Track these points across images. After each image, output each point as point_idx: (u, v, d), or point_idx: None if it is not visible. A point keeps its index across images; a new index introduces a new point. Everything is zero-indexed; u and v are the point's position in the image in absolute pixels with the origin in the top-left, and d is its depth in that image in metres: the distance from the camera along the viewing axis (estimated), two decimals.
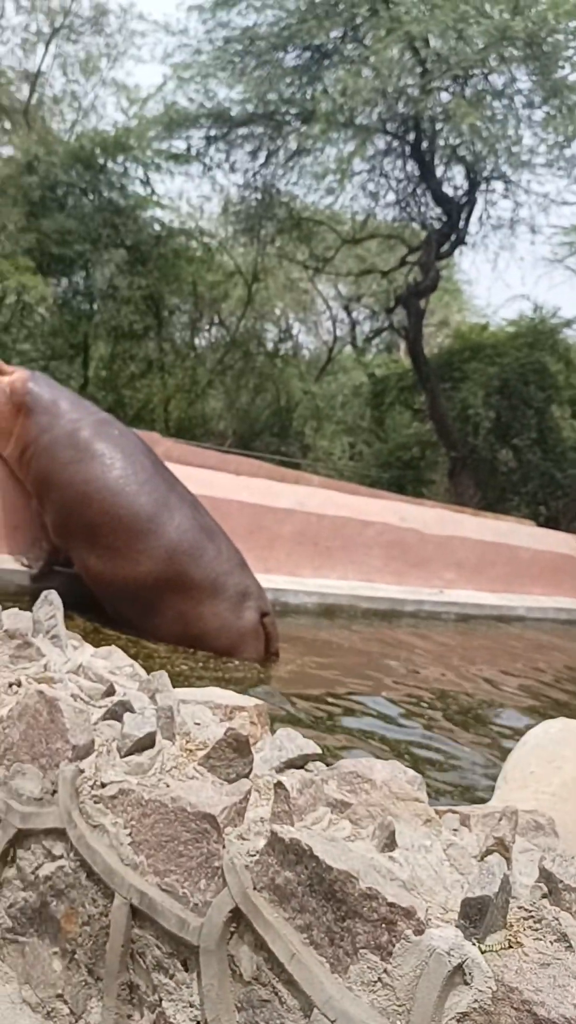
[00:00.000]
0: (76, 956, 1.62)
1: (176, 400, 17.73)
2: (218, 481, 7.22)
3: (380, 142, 13.77)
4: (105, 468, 5.59)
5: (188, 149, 14.52)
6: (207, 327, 20.57)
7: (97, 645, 4.80)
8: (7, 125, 16.24)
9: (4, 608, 2.31)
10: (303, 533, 7.38)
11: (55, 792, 1.67)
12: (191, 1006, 1.43)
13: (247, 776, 1.61)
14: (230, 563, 5.39)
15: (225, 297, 18.45)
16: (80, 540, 5.63)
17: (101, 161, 14.99)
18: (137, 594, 5.16)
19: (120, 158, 15.13)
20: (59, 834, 1.66)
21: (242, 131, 13.95)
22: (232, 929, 1.39)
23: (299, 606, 6.64)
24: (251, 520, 6.99)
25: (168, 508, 5.40)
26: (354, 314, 21.85)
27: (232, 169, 14.93)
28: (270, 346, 20.78)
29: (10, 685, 1.87)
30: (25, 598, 5.70)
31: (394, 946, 1.21)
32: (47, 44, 15.23)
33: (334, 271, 18.52)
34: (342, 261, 18.17)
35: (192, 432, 17.42)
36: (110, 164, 15.18)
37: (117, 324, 16.09)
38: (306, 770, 1.67)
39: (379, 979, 1.21)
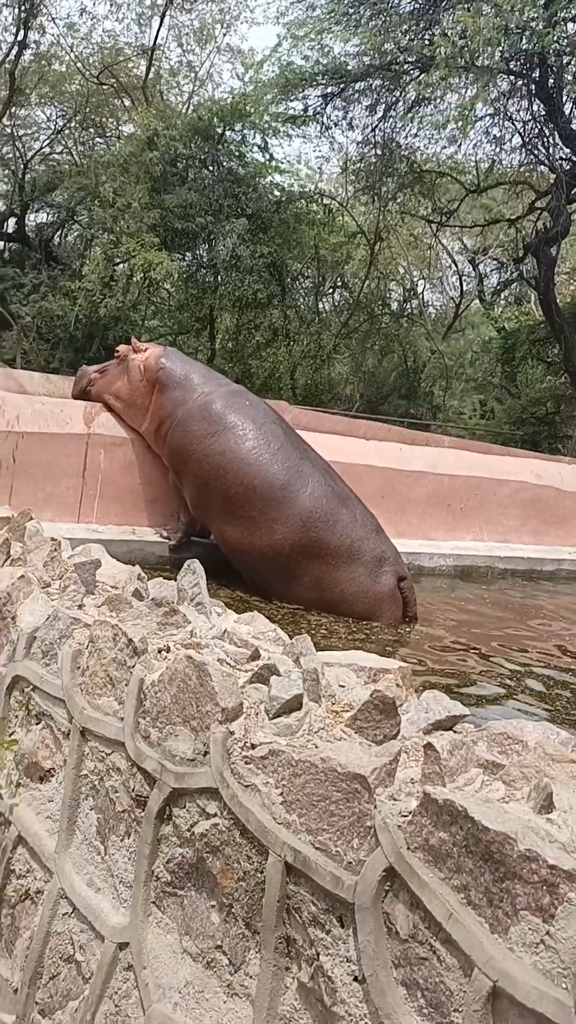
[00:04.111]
0: (233, 910, 1.67)
1: (302, 367, 17.74)
2: (348, 446, 7.19)
3: (503, 83, 13.15)
4: (238, 439, 5.68)
5: (305, 110, 14.35)
6: (330, 291, 20.42)
7: (238, 612, 4.93)
8: (127, 102, 16.50)
9: (149, 578, 2.38)
10: (436, 495, 7.27)
11: (207, 753, 1.72)
12: (348, 961, 1.45)
13: (394, 737, 1.60)
14: (365, 528, 5.38)
15: (348, 259, 18.24)
16: (216, 510, 5.76)
17: (219, 131, 15.02)
18: (274, 561, 5.23)
19: (238, 126, 15.13)
20: (212, 793, 1.71)
21: (359, 86, 13.64)
22: (387, 888, 1.40)
23: (435, 569, 6.57)
24: (383, 484, 6.95)
25: (301, 476, 5.44)
26: (481, 267, 21.14)
27: (350, 126, 14.67)
28: (395, 306, 20.42)
29: (159, 651, 1.93)
30: (166, 568, 5.91)
31: (556, 908, 1.18)
32: (161, 17, 15.30)
33: (459, 223, 17.94)
34: (467, 212, 17.58)
35: (319, 398, 17.42)
36: (228, 133, 15.20)
37: (241, 294, 16.20)
38: (455, 731, 1.65)
39: (541, 941, 1.18)
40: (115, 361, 6.81)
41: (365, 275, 18.20)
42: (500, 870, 1.24)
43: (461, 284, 20.99)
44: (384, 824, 1.41)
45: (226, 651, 1.92)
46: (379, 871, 1.40)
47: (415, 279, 21.63)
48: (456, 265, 20.96)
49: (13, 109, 16.14)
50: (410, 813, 1.39)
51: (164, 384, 6.24)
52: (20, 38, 15.30)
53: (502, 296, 21.71)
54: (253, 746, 1.66)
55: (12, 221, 19.46)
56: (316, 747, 1.59)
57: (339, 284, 20.22)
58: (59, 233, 19.94)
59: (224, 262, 15.39)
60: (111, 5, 16.13)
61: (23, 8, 14.96)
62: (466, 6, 11.08)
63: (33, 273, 16.74)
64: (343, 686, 1.82)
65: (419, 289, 21.93)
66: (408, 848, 1.37)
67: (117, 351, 6.76)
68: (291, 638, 2.12)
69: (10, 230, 19.53)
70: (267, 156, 15.65)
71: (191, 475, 5.98)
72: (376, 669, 1.89)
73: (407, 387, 18.67)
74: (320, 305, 19.29)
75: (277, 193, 15.98)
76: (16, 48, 15.35)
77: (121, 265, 15.08)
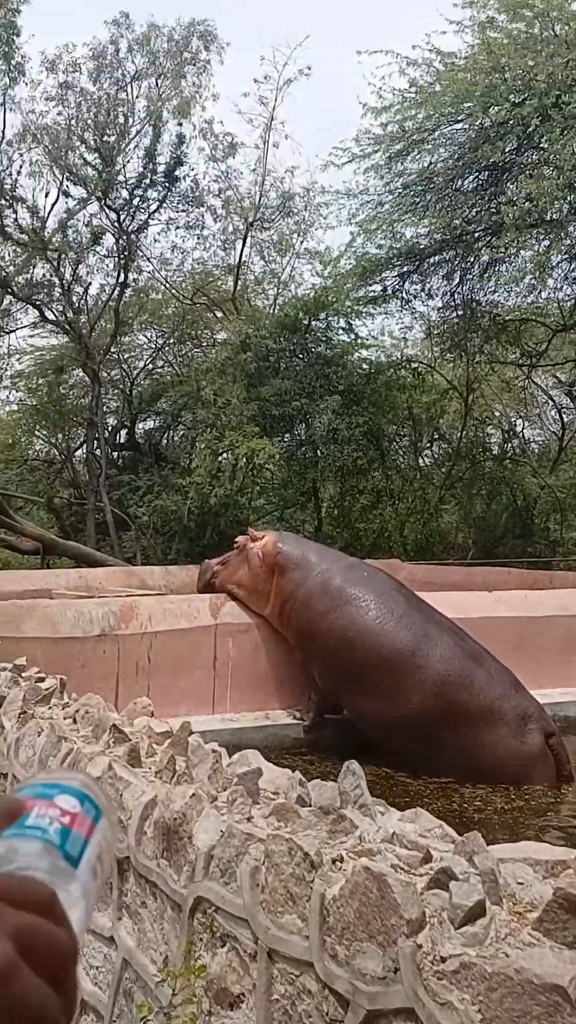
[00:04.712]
0: None
1: (410, 523, 17.90)
2: (472, 601, 7.14)
3: (573, 228, 13.75)
4: (361, 611, 5.76)
5: (384, 290, 15.30)
6: (428, 445, 20.84)
7: (389, 790, 4.80)
8: (218, 314, 18.05)
9: (291, 764, 2.42)
10: (572, 638, 7.05)
11: (397, 970, 1.69)
12: None
13: None
14: (503, 685, 5.26)
15: (442, 413, 18.71)
16: (348, 685, 5.76)
17: (305, 322, 16.13)
18: (413, 731, 5.14)
19: (322, 315, 16.22)
20: (408, 1013, 1.66)
21: (434, 259, 14.53)
22: None
23: None
24: (514, 635, 6.80)
25: (429, 639, 5.43)
26: None
27: (429, 295, 15.50)
28: (496, 450, 20.60)
29: (334, 861, 1.94)
30: (303, 750, 5.86)
31: None
32: (244, 238, 16.98)
33: (550, 362, 18.26)
34: (557, 350, 17.92)
35: (431, 550, 17.41)
36: (313, 323, 16.29)
37: (341, 464, 16.76)
38: None
39: None
40: (234, 551, 7.10)
41: (462, 426, 18.58)
42: None
43: (561, 417, 21.07)
44: None
45: (398, 855, 1.91)
46: None
47: (512, 420, 21.88)
48: (553, 400, 21.15)
49: (119, 338, 17.94)
50: None
51: (283, 567, 6.44)
52: (121, 280, 17.26)
53: None
54: (443, 959, 1.63)
55: (123, 432, 21.11)
56: (507, 956, 1.55)
57: (435, 438, 20.65)
58: (165, 435, 21.40)
59: (322, 437, 16.08)
60: (198, 239, 18.07)
61: (122, 255, 16.95)
62: (528, 173, 11.83)
63: (146, 476, 17.90)
64: (521, 883, 1.78)
65: (518, 429, 22.13)
66: None
67: (236, 542, 7.07)
68: (451, 824, 2.09)
69: (122, 440, 21.15)
70: (352, 336, 16.63)
71: (319, 652, 6.04)
72: (553, 862, 1.84)
73: (520, 526, 18.48)
74: (420, 461, 19.66)
75: (365, 367, 16.81)
76: (119, 288, 17.27)
77: (225, 455, 15.97)
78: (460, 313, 15.39)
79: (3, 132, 20.75)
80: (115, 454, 20.82)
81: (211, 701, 6.39)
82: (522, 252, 13.53)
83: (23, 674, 3.62)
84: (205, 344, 19.56)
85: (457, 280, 15.19)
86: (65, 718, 2.92)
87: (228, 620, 6.61)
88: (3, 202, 16.69)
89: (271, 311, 17.36)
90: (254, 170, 17.23)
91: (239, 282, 17.57)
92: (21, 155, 17.97)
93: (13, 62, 21.08)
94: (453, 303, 15.45)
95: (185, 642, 6.48)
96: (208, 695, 6.41)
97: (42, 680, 3.52)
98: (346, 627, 5.68)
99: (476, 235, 13.96)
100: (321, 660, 5.94)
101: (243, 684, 6.58)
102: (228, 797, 2.21)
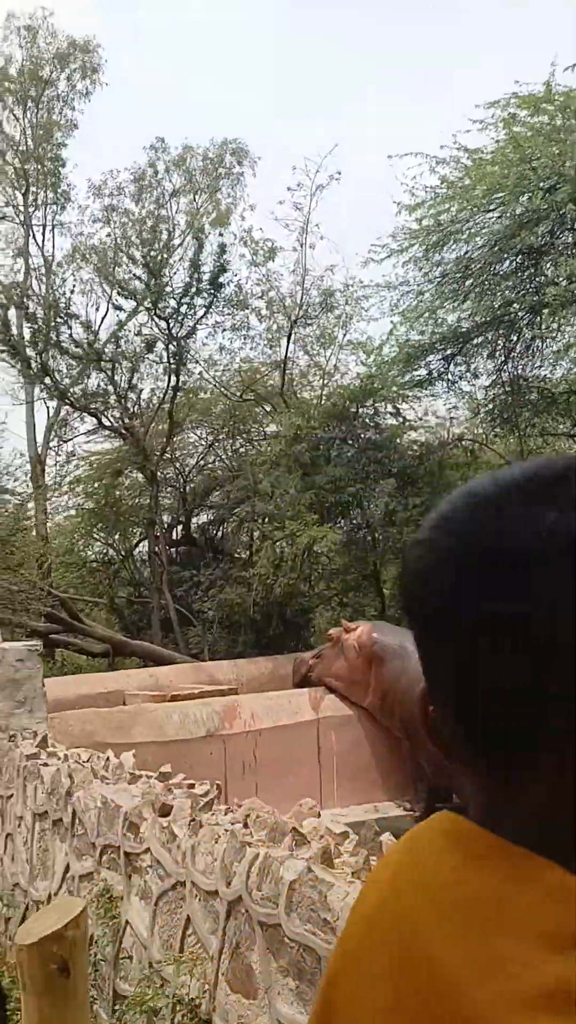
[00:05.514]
0: None
1: None
2: None
3: None
4: None
5: (429, 374, 15.66)
6: None
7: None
8: (267, 408, 18.57)
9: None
10: None
11: None
12: None
13: None
14: None
15: None
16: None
17: (352, 410, 16.51)
18: None
19: (368, 401, 16.60)
20: None
21: (476, 341, 14.90)
22: None
23: None
24: None
25: None
26: None
27: (475, 375, 15.81)
28: None
29: None
30: None
31: None
32: (288, 336, 17.60)
33: None
34: None
35: None
36: (361, 410, 16.67)
37: (401, 545, 16.84)
38: None
39: None
40: (328, 644, 7.17)
41: None
42: None
43: None
44: None
45: None
46: None
47: None
48: None
49: (172, 439, 18.56)
50: None
51: (381, 657, 6.49)
52: (173, 383, 17.96)
53: None
54: None
55: (178, 528, 21.50)
56: None
57: None
58: (219, 528, 21.74)
59: (379, 519, 16.22)
60: (244, 339, 18.83)
61: (173, 360, 17.69)
62: (567, 253, 12.20)
63: (207, 570, 18.13)
64: None
65: None
66: None
67: (330, 634, 7.16)
68: None
69: (177, 536, 21.52)
70: (400, 419, 16.94)
71: (426, 741, 6.00)
72: None
73: None
74: None
75: (416, 448, 17.06)
76: (171, 391, 17.96)
77: (286, 545, 16.16)
78: (507, 390, 15.65)
79: (55, 254, 22.03)
80: (171, 550, 21.15)
81: (319, 796, 6.37)
82: (565, 328, 13.83)
83: (171, 780, 3.70)
84: (255, 438, 20.04)
85: (502, 359, 15.52)
86: (231, 823, 2.98)
87: (329, 713, 6.65)
88: (59, 319, 17.55)
89: (319, 402, 17.81)
90: (293, 271, 17.99)
91: (285, 377, 18.11)
92: (72, 274, 19.03)
93: (60, 190, 22.58)
94: (500, 381, 15.73)
95: (289, 738, 6.52)
96: (315, 789, 6.40)
97: (192, 786, 3.59)
98: None
99: (518, 315, 14.32)
100: (429, 749, 5.91)
101: (348, 777, 6.57)
102: None
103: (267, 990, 2.52)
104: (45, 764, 5.10)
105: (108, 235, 18.76)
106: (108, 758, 4.65)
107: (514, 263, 14.00)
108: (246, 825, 2.88)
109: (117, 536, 22.41)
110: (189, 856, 2.97)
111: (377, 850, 2.36)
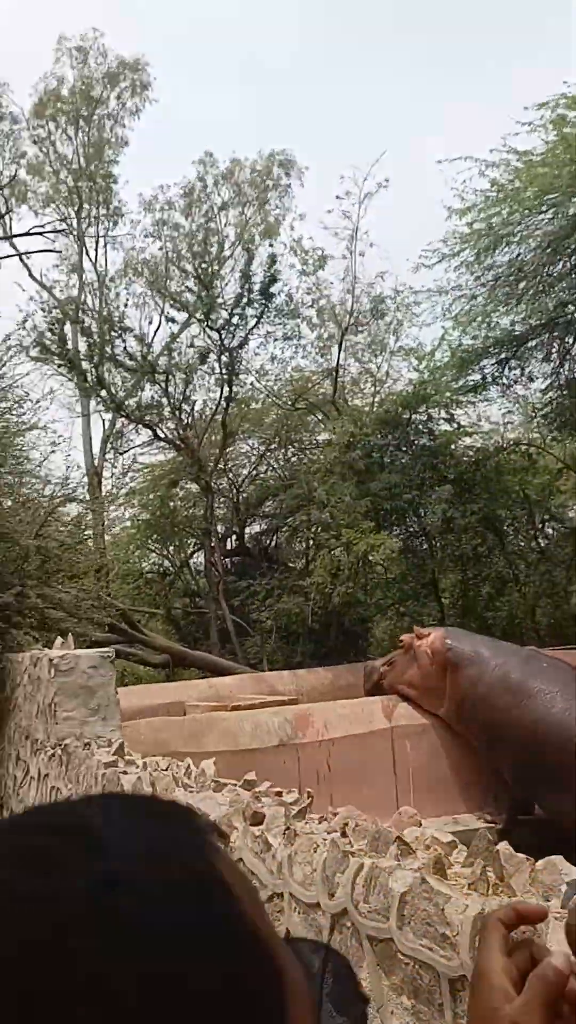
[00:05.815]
0: None
1: (540, 608, 17.48)
2: None
3: None
4: (548, 704, 5.62)
5: (483, 378, 15.49)
6: (540, 525, 20.52)
7: None
8: (319, 416, 18.53)
9: None
10: None
11: None
12: None
13: None
14: None
15: (558, 492, 18.50)
16: (544, 782, 5.58)
17: (406, 417, 16.38)
18: None
19: (421, 408, 16.46)
20: None
21: (531, 344, 14.70)
22: None
23: None
24: None
25: None
26: None
27: (530, 379, 15.60)
28: None
29: None
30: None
31: None
32: (339, 344, 17.56)
33: None
34: None
35: (566, 632, 16.89)
36: (414, 416, 16.53)
37: (460, 552, 16.64)
38: None
39: None
40: (399, 651, 7.07)
41: None
42: None
43: None
44: None
45: None
46: None
47: None
48: None
49: (226, 449, 18.64)
50: None
51: (456, 664, 6.38)
52: (226, 394, 18.05)
53: None
54: None
55: (232, 538, 21.55)
56: None
57: (547, 519, 20.34)
58: (272, 538, 21.74)
59: (437, 527, 16.04)
60: (296, 348, 18.87)
61: (225, 371, 17.78)
62: None
63: (264, 580, 18.11)
64: None
65: None
66: None
67: (401, 640, 7.05)
68: None
69: (231, 546, 21.57)
70: (455, 425, 16.77)
71: (507, 750, 5.89)
72: None
73: None
74: (540, 543, 19.34)
75: (472, 453, 16.86)
76: (224, 403, 18.05)
77: (343, 553, 16.06)
78: (564, 393, 15.39)
79: (108, 269, 22.32)
80: (226, 560, 21.20)
81: (395, 807, 6.26)
82: None
83: (256, 788, 3.65)
84: (307, 446, 20.01)
85: (557, 361, 15.28)
86: (328, 832, 2.92)
87: (403, 722, 6.55)
88: (113, 333, 17.77)
89: (371, 409, 17.71)
90: (343, 279, 17.96)
91: (337, 384, 18.06)
92: (126, 288, 19.27)
93: (112, 206, 22.91)
94: (556, 383, 15.48)
95: (363, 747, 6.43)
96: (391, 800, 6.29)
97: (279, 794, 3.54)
98: (535, 722, 5.55)
99: (574, 316, 14.09)
100: (510, 758, 5.79)
101: (425, 788, 6.45)
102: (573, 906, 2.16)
103: (379, 1009, 2.44)
104: (124, 772, 5.09)
105: (160, 249, 18.98)
106: (188, 766, 4.63)
107: (568, 264, 13.79)
108: (344, 834, 2.81)
109: (172, 547, 22.55)
110: (286, 866, 2.91)
111: (492, 860, 2.28)
